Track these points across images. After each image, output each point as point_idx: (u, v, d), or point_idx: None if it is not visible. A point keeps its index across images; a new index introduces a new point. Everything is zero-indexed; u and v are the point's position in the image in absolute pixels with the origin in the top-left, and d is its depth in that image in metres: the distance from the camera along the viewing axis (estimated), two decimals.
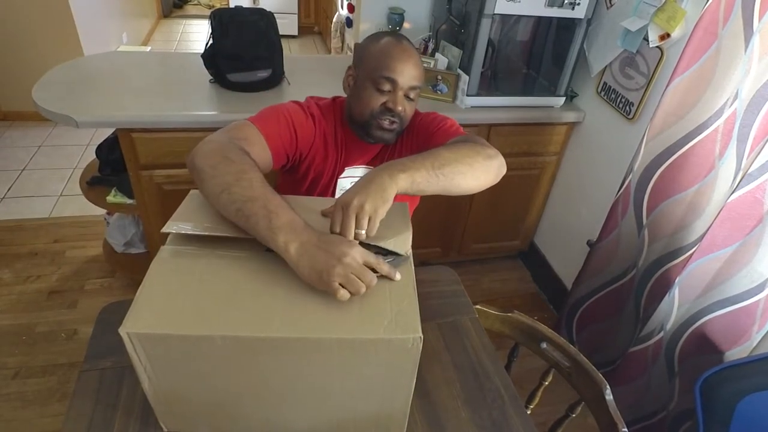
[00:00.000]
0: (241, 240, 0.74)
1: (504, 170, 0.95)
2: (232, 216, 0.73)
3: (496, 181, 0.94)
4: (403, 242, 0.77)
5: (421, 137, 1.12)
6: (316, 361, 0.66)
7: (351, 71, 1.11)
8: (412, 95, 1.05)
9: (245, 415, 0.74)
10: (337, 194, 1.13)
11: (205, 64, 1.77)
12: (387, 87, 1.03)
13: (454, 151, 0.86)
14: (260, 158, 0.91)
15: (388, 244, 0.76)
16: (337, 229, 0.72)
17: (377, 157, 1.17)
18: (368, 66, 1.04)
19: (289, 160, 1.07)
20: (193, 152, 0.84)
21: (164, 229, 0.73)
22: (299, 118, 1.05)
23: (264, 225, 0.70)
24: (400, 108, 1.03)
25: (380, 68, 1.02)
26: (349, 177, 1.15)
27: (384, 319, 0.65)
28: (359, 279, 0.66)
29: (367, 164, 1.17)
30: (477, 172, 0.87)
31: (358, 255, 0.68)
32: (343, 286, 0.66)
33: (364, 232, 0.72)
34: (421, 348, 0.65)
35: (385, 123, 1.05)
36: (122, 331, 0.60)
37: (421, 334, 0.64)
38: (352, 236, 0.71)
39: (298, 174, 1.13)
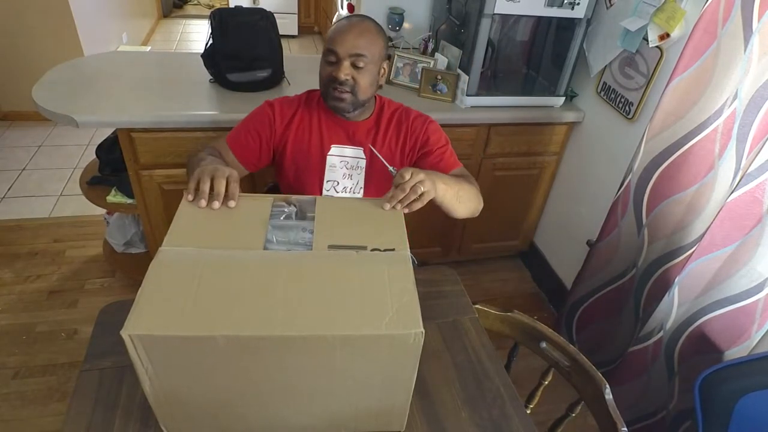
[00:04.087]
0: (240, 240, 0.74)
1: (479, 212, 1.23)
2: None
3: (468, 216, 1.20)
4: (400, 238, 0.78)
5: (417, 142, 1.25)
6: (319, 358, 0.66)
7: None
8: (360, 64, 1.12)
9: (247, 414, 0.75)
10: (327, 170, 1.23)
11: (205, 64, 1.77)
12: (332, 58, 1.12)
13: (472, 190, 1.16)
14: (229, 160, 1.17)
15: (384, 242, 0.77)
16: (403, 178, 0.91)
17: (360, 136, 1.24)
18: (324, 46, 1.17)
19: (272, 153, 1.24)
20: None
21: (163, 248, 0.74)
22: (260, 117, 1.21)
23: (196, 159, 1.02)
24: (342, 75, 1.11)
25: (326, 43, 1.14)
26: (338, 155, 1.23)
27: (385, 315, 0.65)
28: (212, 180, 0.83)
29: (352, 143, 1.24)
30: (470, 210, 1.17)
31: (227, 171, 0.85)
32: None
33: (422, 189, 0.91)
34: (422, 343, 0.65)
35: (335, 92, 1.14)
36: (124, 333, 0.60)
37: (422, 329, 0.64)
38: (407, 182, 0.90)
39: (285, 162, 1.24)
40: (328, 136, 1.22)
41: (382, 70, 1.20)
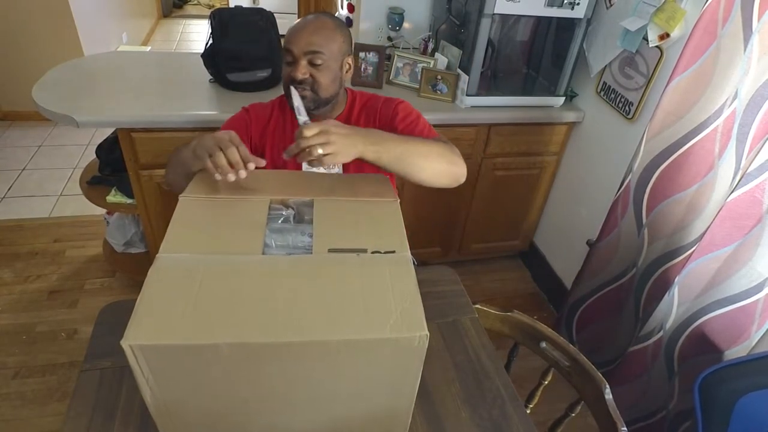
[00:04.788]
0: (238, 245, 0.74)
1: (462, 179, 1.07)
2: (179, 172, 0.96)
3: (451, 186, 1.06)
4: (399, 239, 0.78)
5: (386, 122, 1.18)
6: (323, 363, 0.66)
7: None
8: (317, 61, 1.09)
9: (249, 421, 0.74)
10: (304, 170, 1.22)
11: (205, 64, 1.77)
12: (289, 58, 1.11)
13: (428, 146, 1.00)
14: None
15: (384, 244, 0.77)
16: (304, 135, 0.82)
17: None
18: None
19: None
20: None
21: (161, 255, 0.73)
22: (235, 122, 1.19)
23: (186, 149, 0.93)
24: (299, 75, 1.09)
25: (283, 43, 1.12)
26: None
27: (389, 318, 0.65)
28: (222, 151, 0.80)
29: None
30: (435, 172, 1.01)
31: (227, 135, 0.83)
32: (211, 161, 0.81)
33: (321, 151, 0.82)
34: (427, 345, 0.65)
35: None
36: (124, 343, 0.59)
37: (427, 332, 0.64)
38: (304, 140, 0.81)
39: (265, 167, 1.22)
40: None
41: (347, 66, 1.17)
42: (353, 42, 1.96)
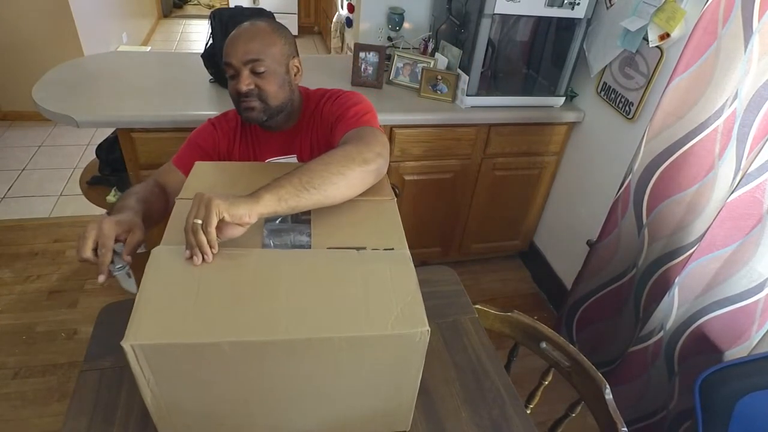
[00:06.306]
0: (237, 245, 0.74)
1: (384, 170, 0.92)
2: None
3: (377, 181, 0.90)
4: (398, 237, 0.78)
5: (326, 123, 1.13)
6: (325, 360, 0.66)
7: None
8: (259, 69, 1.04)
9: (251, 420, 0.74)
10: None
11: (205, 64, 1.77)
12: (231, 72, 1.06)
13: (325, 163, 0.82)
14: (175, 180, 1.08)
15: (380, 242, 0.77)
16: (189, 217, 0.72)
17: (288, 144, 1.17)
18: None
19: None
20: None
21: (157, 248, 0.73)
22: (202, 134, 1.16)
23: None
24: (243, 87, 1.04)
25: (223, 59, 1.06)
26: None
27: (390, 315, 0.65)
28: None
29: (285, 152, 1.17)
30: (352, 180, 0.84)
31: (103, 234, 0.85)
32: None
33: (200, 221, 0.70)
34: (428, 341, 0.65)
35: (243, 104, 1.07)
36: (125, 343, 0.58)
37: (428, 327, 0.64)
38: (191, 220, 0.71)
39: None
40: (260, 152, 1.17)
41: (294, 68, 1.12)
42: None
